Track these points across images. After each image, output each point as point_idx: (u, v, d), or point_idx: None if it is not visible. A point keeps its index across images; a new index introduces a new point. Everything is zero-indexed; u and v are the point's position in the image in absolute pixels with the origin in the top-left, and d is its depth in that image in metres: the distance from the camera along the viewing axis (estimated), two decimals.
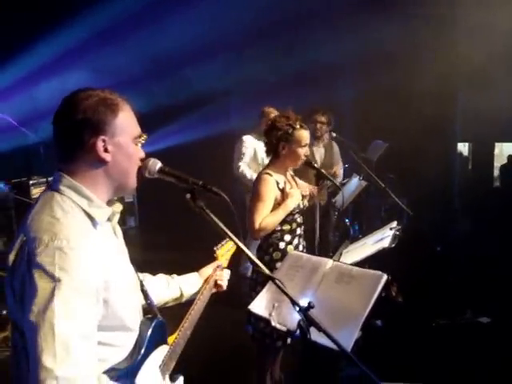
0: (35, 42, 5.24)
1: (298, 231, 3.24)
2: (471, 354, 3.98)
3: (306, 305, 1.70)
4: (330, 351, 2.67)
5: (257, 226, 3.04)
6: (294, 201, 3.11)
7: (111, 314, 1.53)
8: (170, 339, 1.88)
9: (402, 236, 5.66)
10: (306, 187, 3.42)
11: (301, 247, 3.26)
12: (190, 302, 2.11)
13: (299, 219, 3.25)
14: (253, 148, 5.57)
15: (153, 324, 1.75)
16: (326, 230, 5.26)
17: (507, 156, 8.87)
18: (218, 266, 2.25)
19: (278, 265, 2.98)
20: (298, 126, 3.14)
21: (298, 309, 1.68)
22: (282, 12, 6.32)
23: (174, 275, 2.18)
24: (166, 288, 2.10)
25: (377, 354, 3.89)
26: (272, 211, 3.09)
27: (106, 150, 1.56)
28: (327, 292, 2.21)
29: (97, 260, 1.48)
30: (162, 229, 7.20)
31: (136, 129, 1.66)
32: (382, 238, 3.10)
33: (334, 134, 5.26)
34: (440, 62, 6.76)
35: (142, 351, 1.68)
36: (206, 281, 2.18)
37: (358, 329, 2.02)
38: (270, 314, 2.20)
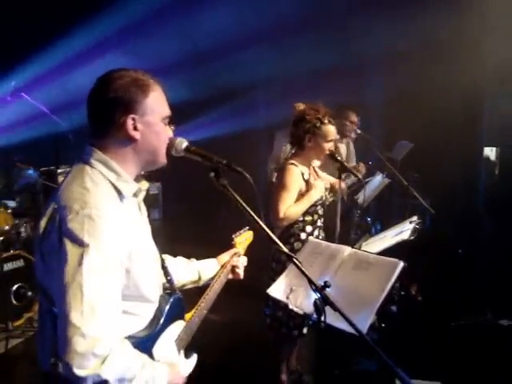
0: (69, 29, 5.37)
1: (319, 223, 3.31)
2: (490, 355, 3.95)
3: (322, 284, 1.74)
4: (345, 344, 2.71)
5: (281, 214, 3.08)
6: (318, 192, 3.17)
7: (132, 283, 1.61)
8: (187, 316, 1.96)
9: (424, 237, 5.68)
10: (328, 180, 3.46)
11: (320, 238, 3.30)
12: (207, 285, 2.18)
13: (320, 211, 3.31)
14: (285, 144, 5.34)
15: (171, 299, 1.84)
16: (347, 228, 5.28)
17: None
18: (235, 253, 2.32)
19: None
20: (326, 121, 3.19)
21: (314, 287, 1.72)
22: (311, 7, 6.33)
23: (193, 259, 2.26)
24: (185, 270, 2.17)
25: (394, 350, 3.90)
26: (296, 201, 3.13)
27: (135, 128, 1.64)
28: (345, 277, 2.25)
29: (122, 230, 1.56)
30: (186, 221, 7.27)
31: (165, 109, 1.73)
32: (402, 231, 3.13)
33: (358, 131, 5.26)
34: (468, 64, 6.68)
35: (160, 323, 1.76)
36: (223, 266, 2.26)
37: (373, 313, 2.06)
38: (288, 297, 2.25)
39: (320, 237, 3.32)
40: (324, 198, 3.30)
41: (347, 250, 2.38)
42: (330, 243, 2.55)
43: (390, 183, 5.21)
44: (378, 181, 4.91)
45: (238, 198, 1.76)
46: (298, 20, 6.51)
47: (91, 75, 1.72)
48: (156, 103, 1.68)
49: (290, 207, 3.10)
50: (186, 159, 1.87)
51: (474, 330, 4.36)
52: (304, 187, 3.18)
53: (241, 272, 2.33)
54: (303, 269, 1.71)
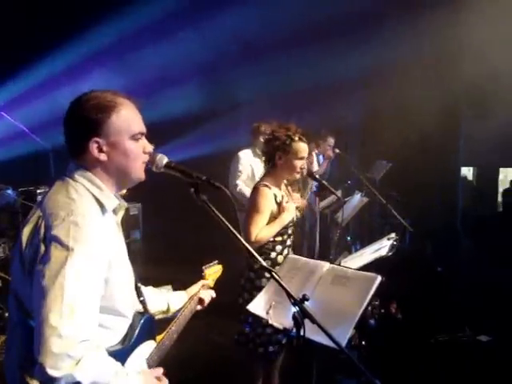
0: (49, 49, 5.38)
1: (288, 242, 3.30)
2: (469, 371, 3.99)
3: (300, 297, 1.76)
4: (325, 362, 2.73)
5: (253, 237, 3.07)
6: (290, 215, 3.17)
7: (109, 294, 1.63)
8: (158, 338, 1.98)
9: (403, 255, 5.74)
10: (299, 198, 3.49)
11: None
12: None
13: (290, 230, 3.29)
14: (249, 165, 5.41)
15: (144, 318, 1.87)
16: (327, 246, 5.33)
17: (510, 181, 8.91)
18: (203, 285, 2.40)
19: (267, 273, 3.02)
20: (296, 138, 3.16)
21: (292, 301, 1.74)
22: (289, 28, 6.44)
23: (163, 290, 2.31)
24: (155, 299, 2.18)
25: (375, 367, 3.91)
26: (268, 223, 3.13)
27: (100, 150, 1.67)
28: (323, 293, 2.27)
29: (104, 240, 1.60)
30: (166, 241, 7.24)
31: (135, 127, 1.73)
32: (380, 248, 3.17)
33: (337, 151, 5.36)
34: (444, 85, 6.84)
35: (133, 340, 1.79)
36: (192, 296, 2.33)
37: (352, 327, 2.08)
38: (268, 313, 2.26)
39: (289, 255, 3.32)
40: (295, 219, 3.30)
41: (326, 265, 2.41)
42: (309, 259, 2.57)
43: (369, 203, 5.29)
44: (356, 200, 4.97)
45: (217, 213, 1.79)
46: (277, 41, 6.60)
47: (72, 94, 1.75)
48: (121, 122, 1.69)
49: (261, 230, 3.09)
50: (165, 179, 1.89)
51: (453, 346, 4.40)
52: (276, 209, 3.15)
53: (206, 302, 2.40)
54: (282, 282, 1.73)
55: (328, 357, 2.43)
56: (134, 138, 1.72)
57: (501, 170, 10.05)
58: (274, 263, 3.13)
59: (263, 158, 3.33)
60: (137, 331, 1.80)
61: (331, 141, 5.36)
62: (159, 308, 2.19)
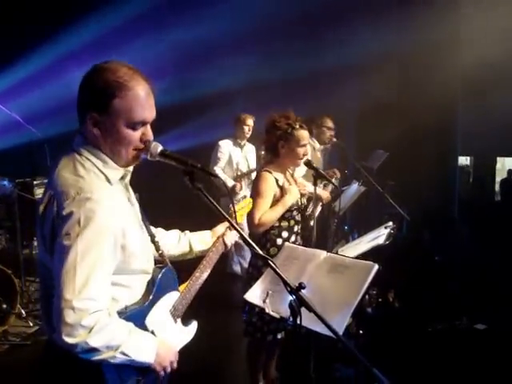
0: (44, 39, 5.35)
1: (296, 228, 3.31)
2: (466, 359, 4.00)
3: (296, 285, 1.75)
4: (322, 351, 2.72)
5: (256, 221, 3.11)
6: (293, 197, 3.19)
7: (127, 257, 1.72)
8: (181, 287, 2.02)
9: (401, 244, 5.74)
10: (305, 185, 3.49)
11: (298, 244, 3.29)
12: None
13: (297, 217, 3.31)
14: (228, 153, 5.81)
15: (163, 271, 1.91)
16: (324, 236, 5.32)
17: (507, 170, 8.93)
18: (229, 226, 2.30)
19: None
20: (297, 126, 3.21)
21: (289, 289, 1.73)
22: (286, 16, 6.41)
23: (187, 231, 2.30)
24: (177, 243, 2.23)
25: (372, 356, 3.92)
26: (271, 207, 3.16)
27: (95, 125, 1.68)
28: (321, 281, 2.26)
29: (115, 210, 1.66)
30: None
31: (137, 114, 1.70)
32: (378, 236, 3.16)
33: (334, 139, 5.33)
34: (441, 73, 6.81)
35: (152, 295, 1.85)
36: (218, 239, 2.27)
37: (349, 315, 2.08)
38: (264, 302, 2.25)
39: (297, 243, 3.32)
40: (300, 204, 3.32)
41: (323, 254, 2.40)
42: (306, 248, 2.56)
43: (366, 192, 5.27)
44: (353, 189, 4.96)
45: (212, 201, 1.77)
46: (273, 29, 6.57)
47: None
48: (124, 107, 1.66)
49: (265, 213, 3.12)
50: (164, 170, 1.89)
51: (450, 335, 4.41)
52: (279, 193, 3.20)
53: (229, 245, 2.31)
54: (278, 270, 1.72)
55: (326, 346, 2.43)
56: (131, 126, 1.70)
57: (498, 159, 10.08)
58: (270, 255, 3.12)
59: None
60: (156, 285, 1.86)
61: (329, 123, 5.29)
62: (181, 250, 2.23)
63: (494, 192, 9.70)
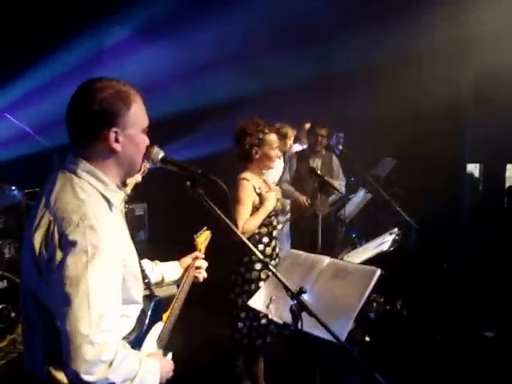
0: (52, 50, 5.41)
1: (274, 233, 3.41)
2: (475, 367, 3.97)
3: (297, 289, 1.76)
4: (328, 359, 2.72)
5: (240, 229, 3.15)
6: (271, 203, 3.29)
7: (125, 288, 1.66)
8: (164, 317, 2.04)
9: (409, 252, 5.70)
10: (278, 190, 3.60)
11: (277, 249, 3.43)
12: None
13: (275, 222, 3.42)
14: None
15: (153, 302, 1.91)
16: (332, 244, 5.32)
17: None
18: (196, 257, 2.38)
19: (257, 266, 3.21)
20: (267, 131, 3.33)
21: (290, 293, 1.74)
22: (292, 23, 6.43)
23: (157, 261, 2.31)
24: (151, 272, 2.20)
25: (380, 363, 3.90)
26: (251, 215, 3.24)
27: (116, 141, 1.65)
28: (324, 286, 2.28)
29: (117, 239, 1.61)
30: (172, 242, 7.24)
31: (145, 120, 1.75)
32: (382, 243, 3.17)
33: (340, 147, 5.32)
34: (449, 80, 6.80)
35: (145, 325, 1.83)
36: (187, 269, 2.32)
37: (351, 320, 2.08)
38: (268, 307, 2.26)
39: (277, 248, 3.42)
40: (277, 208, 3.42)
41: (326, 259, 2.41)
42: (309, 254, 2.57)
43: (374, 200, 5.27)
44: (360, 196, 4.96)
45: (213, 206, 1.79)
46: (279, 37, 6.59)
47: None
48: (137, 115, 1.70)
49: (247, 221, 3.19)
50: (171, 180, 1.90)
51: (459, 343, 4.38)
52: (257, 200, 3.28)
53: (203, 273, 2.38)
54: (278, 275, 1.73)
55: (332, 353, 2.43)
56: (144, 131, 1.74)
57: (508, 166, 9.98)
58: (264, 255, 3.23)
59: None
60: (148, 315, 1.85)
61: (322, 132, 5.27)
62: (154, 280, 2.22)
63: (503, 199, 9.60)
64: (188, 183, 1.81)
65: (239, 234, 1.81)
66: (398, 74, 6.76)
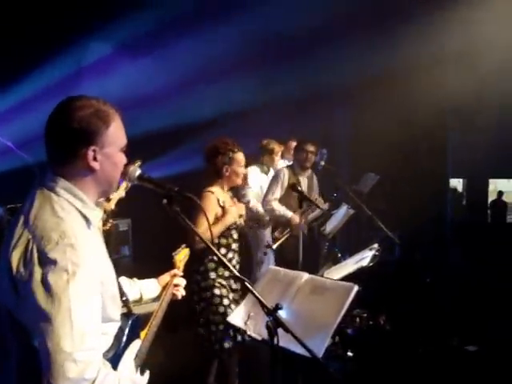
0: (34, 65, 5.40)
1: (233, 246, 3.55)
2: (457, 381, 3.99)
3: (273, 306, 1.77)
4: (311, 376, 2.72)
5: (197, 237, 3.20)
6: (232, 217, 3.45)
7: (103, 306, 1.63)
8: (142, 334, 2.02)
9: (392, 267, 5.73)
10: (243, 208, 3.76)
11: (234, 262, 3.54)
12: None
13: (235, 235, 3.57)
14: (258, 182, 5.76)
15: (130, 320, 1.89)
16: (314, 260, 5.33)
17: (497, 192, 8.99)
18: (174, 275, 2.38)
19: (211, 274, 3.38)
20: (236, 150, 3.53)
21: (266, 310, 1.75)
22: (276, 40, 6.49)
23: (135, 279, 2.29)
24: (130, 290, 2.19)
25: (364, 378, 3.91)
26: (212, 225, 3.32)
27: (95, 159, 1.65)
28: (302, 303, 2.29)
29: (95, 257, 1.61)
30: (155, 258, 7.21)
31: (123, 139, 1.75)
32: (362, 258, 3.19)
33: (322, 163, 5.34)
34: (431, 96, 6.88)
35: (123, 343, 1.81)
36: (166, 287, 2.32)
37: (329, 336, 2.09)
38: (246, 324, 2.27)
39: (234, 260, 3.54)
40: (238, 223, 3.56)
41: (305, 276, 2.43)
42: (289, 270, 2.59)
43: (357, 215, 5.29)
44: (342, 212, 4.99)
45: (189, 223, 1.81)
46: (261, 54, 6.63)
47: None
48: (115, 134, 1.70)
49: (206, 230, 3.25)
50: (156, 196, 1.90)
51: (441, 356, 4.40)
52: (220, 212, 3.43)
53: (181, 291, 2.38)
54: (255, 292, 1.74)
55: (313, 371, 2.44)
56: (122, 150, 1.75)
57: (490, 180, 10.12)
58: (207, 269, 3.40)
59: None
60: (126, 333, 1.83)
61: (310, 148, 5.29)
62: (133, 297, 2.20)
63: (486, 213, 9.73)
64: (165, 201, 1.83)
65: (215, 251, 1.82)
66: (381, 90, 6.84)
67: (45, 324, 1.44)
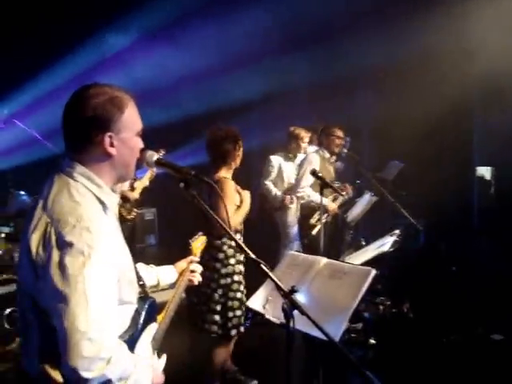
0: (60, 57, 5.49)
1: (240, 228, 3.53)
2: (482, 370, 3.95)
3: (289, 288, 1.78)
4: (333, 360, 2.73)
5: (232, 225, 3.27)
6: (249, 201, 3.49)
7: (119, 288, 1.68)
8: (158, 318, 2.06)
9: (417, 255, 5.68)
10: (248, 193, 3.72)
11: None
12: None
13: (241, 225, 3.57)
14: (278, 167, 5.82)
15: (147, 303, 1.92)
16: (338, 247, 5.33)
17: None
18: (191, 261, 2.42)
19: (231, 261, 3.41)
20: (241, 137, 3.54)
21: (281, 292, 1.76)
22: (300, 27, 6.44)
23: (152, 265, 2.34)
24: (147, 276, 2.22)
25: (387, 366, 3.91)
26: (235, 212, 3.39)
27: (111, 145, 1.69)
28: (320, 287, 2.30)
29: (112, 241, 1.65)
30: (181, 246, 7.27)
31: (138, 124, 1.79)
32: (383, 244, 3.17)
33: (345, 151, 5.30)
34: (458, 81, 6.75)
35: (139, 326, 1.85)
36: (182, 273, 2.36)
37: (346, 319, 2.10)
38: (264, 307, 2.29)
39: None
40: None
41: (323, 260, 2.43)
42: (308, 255, 2.60)
43: (381, 203, 5.25)
44: (365, 199, 4.97)
45: (206, 207, 1.83)
46: (285, 39, 6.60)
47: None
48: (131, 119, 1.74)
49: (233, 217, 3.34)
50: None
51: (466, 346, 4.36)
52: (238, 198, 3.45)
53: (198, 277, 2.41)
54: (270, 274, 1.75)
55: (336, 354, 2.44)
56: (138, 134, 1.78)
57: None
58: (227, 256, 3.43)
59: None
60: (142, 316, 1.86)
61: (339, 133, 5.23)
62: (150, 283, 2.24)
63: None
64: (181, 184, 1.85)
65: (232, 234, 1.84)
66: (406, 76, 6.74)
67: (61, 304, 1.48)
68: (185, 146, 6.69)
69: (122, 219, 4.71)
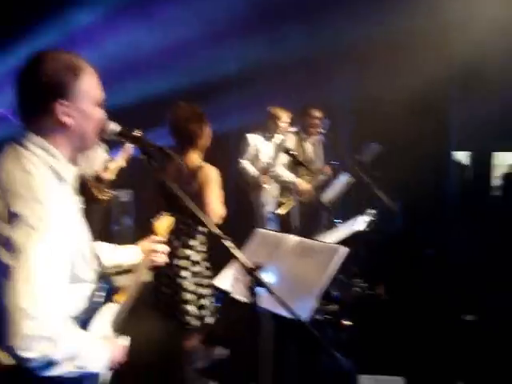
0: (23, 35, 5.34)
1: None
2: (455, 349, 3.99)
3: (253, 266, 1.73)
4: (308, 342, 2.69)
5: (221, 211, 3.11)
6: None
7: (73, 265, 1.61)
8: (118, 299, 1.99)
9: (393, 238, 5.70)
10: None
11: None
12: None
13: None
14: (255, 146, 5.71)
15: (104, 281, 1.87)
16: (314, 231, 5.30)
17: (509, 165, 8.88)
18: (154, 241, 2.31)
19: (203, 247, 3.22)
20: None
21: (246, 270, 1.72)
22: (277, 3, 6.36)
23: (116, 245, 2.26)
24: (110, 255, 2.16)
25: (360, 347, 3.91)
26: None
27: (66, 114, 1.60)
28: (289, 265, 2.26)
29: (66, 213, 1.56)
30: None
31: (98, 93, 1.71)
32: (355, 223, 3.15)
33: (322, 131, 5.26)
34: (433, 64, 6.73)
35: (95, 304, 1.79)
36: (146, 252, 2.26)
37: (315, 298, 2.06)
38: (232, 286, 2.24)
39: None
40: None
41: (293, 238, 2.39)
42: (277, 233, 2.55)
43: (357, 185, 5.23)
44: (342, 180, 4.94)
45: (169, 181, 1.77)
46: (261, 17, 6.50)
47: None
48: (88, 87, 1.66)
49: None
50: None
51: (439, 326, 4.39)
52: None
53: (163, 257, 2.30)
54: (233, 251, 1.71)
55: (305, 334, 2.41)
56: (98, 104, 1.70)
57: (496, 153, 9.96)
58: (201, 243, 3.24)
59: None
60: (99, 296, 1.80)
61: (316, 113, 5.19)
62: (112, 263, 2.17)
63: (489, 187, 9.58)
64: (143, 156, 1.78)
65: (194, 209, 1.77)
66: (383, 59, 6.70)
67: (7, 280, 1.40)
68: (157, 127, 6.56)
69: (94, 199, 4.60)
